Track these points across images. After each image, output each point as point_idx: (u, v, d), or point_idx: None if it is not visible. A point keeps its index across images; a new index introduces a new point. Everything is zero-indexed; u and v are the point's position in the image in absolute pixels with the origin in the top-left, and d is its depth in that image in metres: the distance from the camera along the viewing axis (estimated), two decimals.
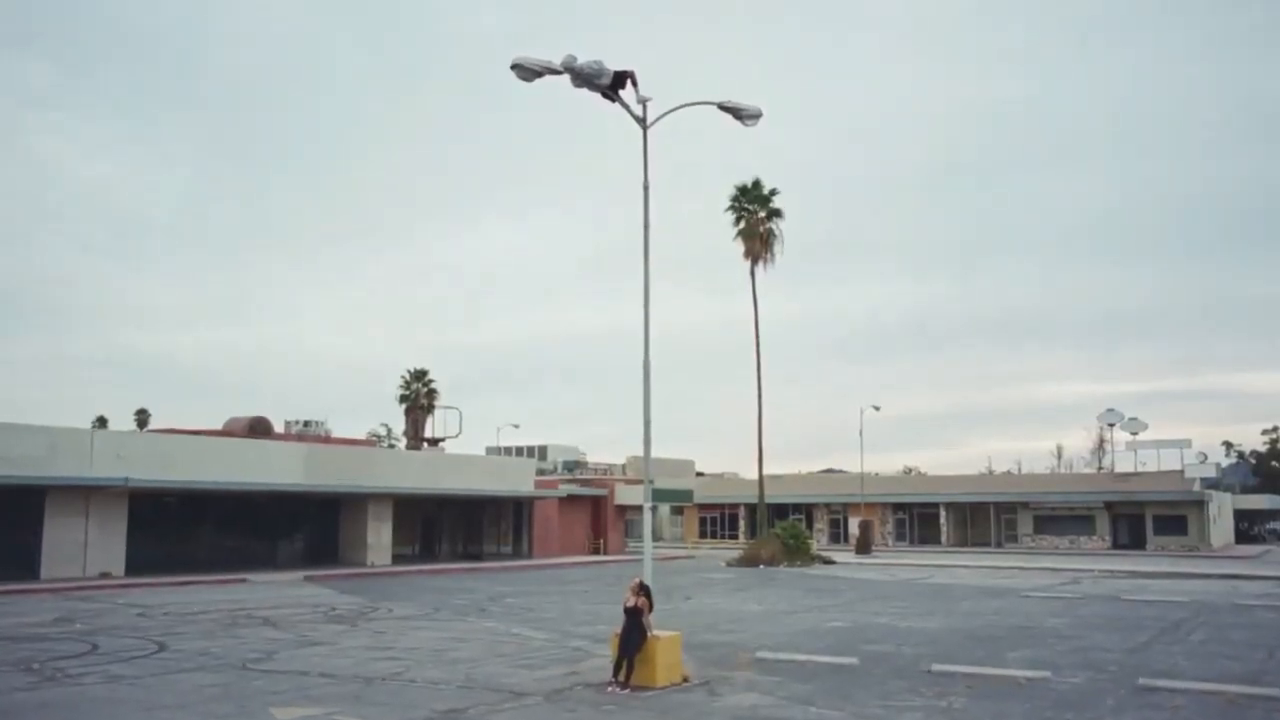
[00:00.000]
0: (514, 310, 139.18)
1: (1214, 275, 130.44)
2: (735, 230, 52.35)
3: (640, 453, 17.31)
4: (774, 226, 52.36)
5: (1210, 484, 66.95)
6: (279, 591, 30.34)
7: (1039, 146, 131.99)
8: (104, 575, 33.12)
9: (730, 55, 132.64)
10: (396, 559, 43.78)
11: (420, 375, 70.96)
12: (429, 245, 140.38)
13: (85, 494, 33.41)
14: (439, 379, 70.81)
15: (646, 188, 16.41)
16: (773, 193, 52.42)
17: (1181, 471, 64.41)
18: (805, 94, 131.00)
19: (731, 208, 52.43)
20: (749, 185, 52.46)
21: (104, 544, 33.88)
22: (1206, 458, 69.47)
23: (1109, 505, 64.90)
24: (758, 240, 51.98)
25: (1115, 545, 63.87)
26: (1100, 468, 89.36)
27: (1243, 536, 78.65)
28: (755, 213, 52.17)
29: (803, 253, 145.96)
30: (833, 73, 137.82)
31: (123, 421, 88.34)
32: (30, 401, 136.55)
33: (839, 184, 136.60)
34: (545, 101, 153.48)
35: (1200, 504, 62.47)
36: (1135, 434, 70.07)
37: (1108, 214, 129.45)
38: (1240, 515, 79.22)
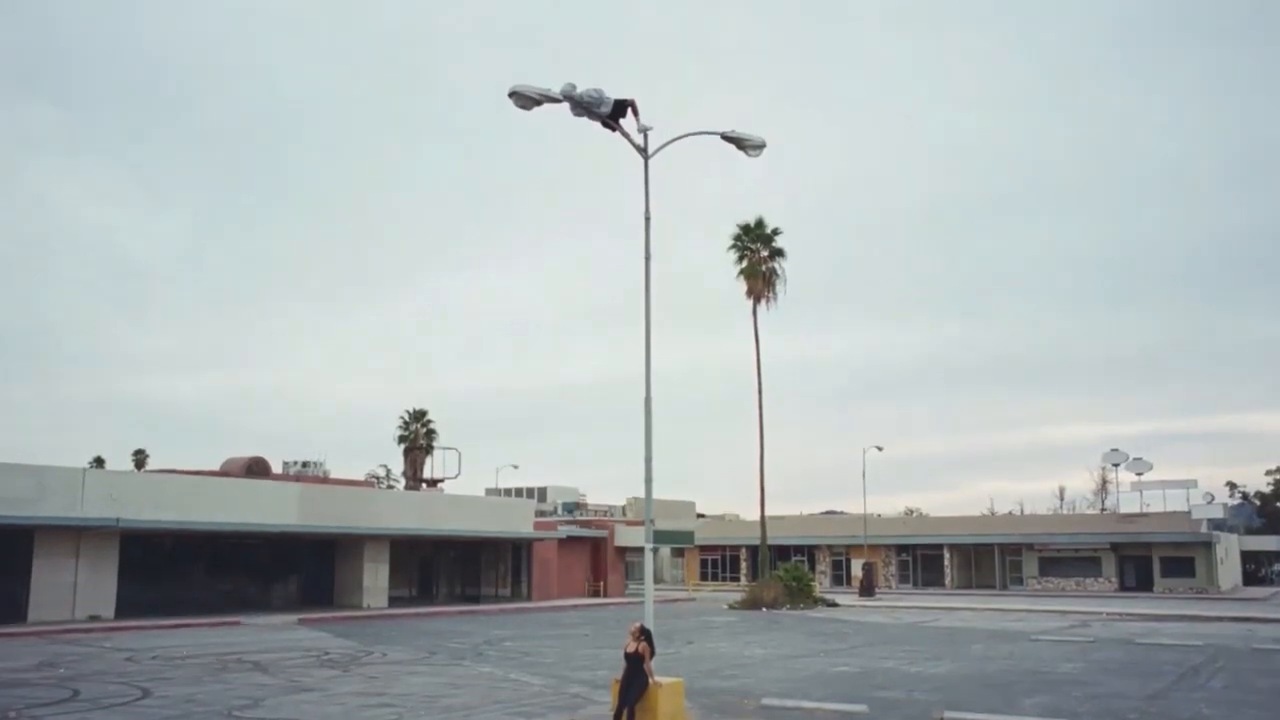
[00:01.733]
0: (514, 352, 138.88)
1: (1214, 316, 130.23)
2: (737, 269, 52.01)
3: (640, 494, 16.81)
4: (776, 266, 52.04)
5: (1216, 525, 66.17)
6: (271, 635, 29.67)
7: (1040, 188, 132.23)
8: (93, 618, 32.41)
9: (729, 98, 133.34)
10: (393, 601, 43.04)
11: (419, 416, 70.35)
12: (430, 286, 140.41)
13: (75, 535, 32.78)
14: (438, 420, 70.18)
15: (648, 219, 16.02)
16: (775, 232, 52.16)
17: (1188, 513, 63.65)
18: (805, 136, 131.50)
19: (734, 246, 52.09)
20: (751, 224, 52.18)
21: (94, 586, 33.20)
22: (1213, 498, 68.77)
23: (1115, 547, 64.10)
24: (760, 280, 51.60)
25: (1122, 587, 62.99)
26: (1104, 509, 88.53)
27: (1250, 578, 77.70)
28: (758, 252, 51.87)
29: (803, 293, 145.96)
30: (833, 114, 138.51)
31: (121, 463, 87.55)
32: (29, 444, 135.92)
33: (839, 225, 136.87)
34: (543, 142, 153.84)
35: (1208, 545, 61.66)
36: (1140, 474, 69.31)
37: (1108, 255, 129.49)
38: (1246, 557, 78.30)
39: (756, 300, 51.66)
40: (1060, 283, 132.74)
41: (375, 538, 42.03)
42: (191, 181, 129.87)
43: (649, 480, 15.84)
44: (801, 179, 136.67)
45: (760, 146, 16.70)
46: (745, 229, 52.21)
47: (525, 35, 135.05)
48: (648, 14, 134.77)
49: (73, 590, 32.70)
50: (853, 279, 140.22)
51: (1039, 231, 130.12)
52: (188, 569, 39.10)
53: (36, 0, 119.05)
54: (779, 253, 52.14)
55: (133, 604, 33.99)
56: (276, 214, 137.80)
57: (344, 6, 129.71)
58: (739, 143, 16.70)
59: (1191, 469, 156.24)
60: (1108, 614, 41.30)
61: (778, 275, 51.98)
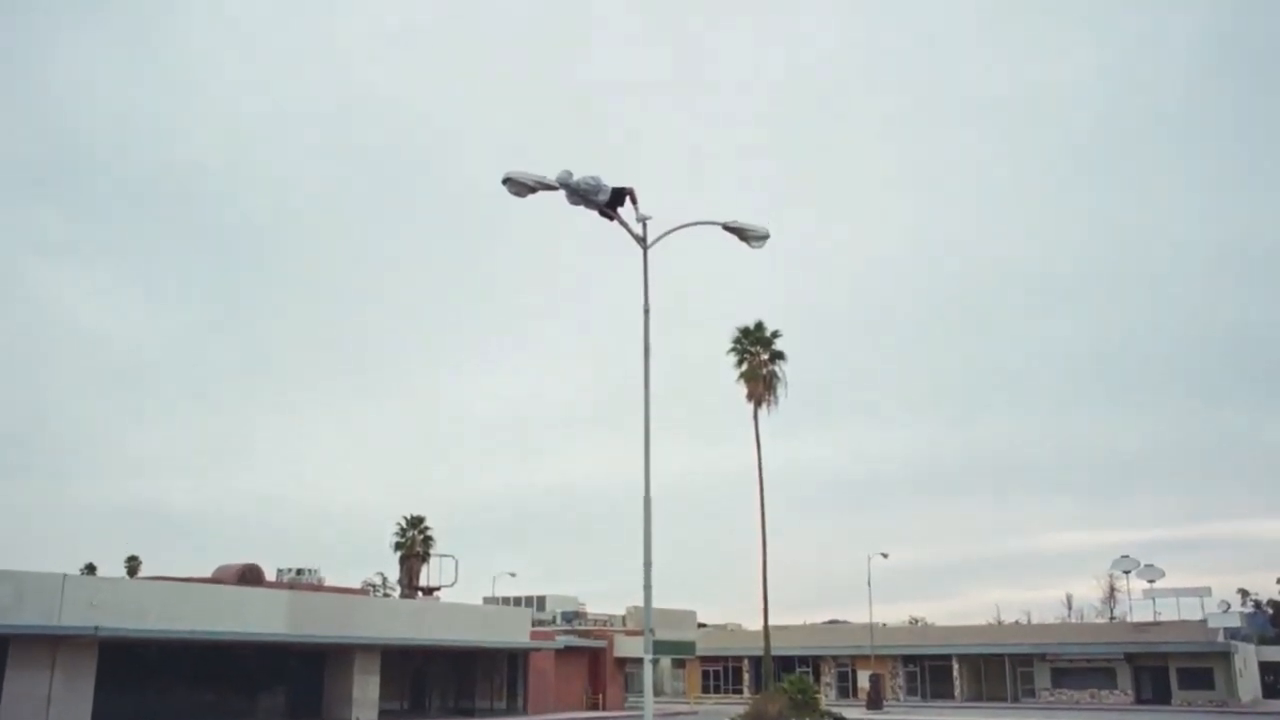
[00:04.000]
0: (512, 456, 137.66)
1: (1220, 420, 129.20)
2: (737, 372, 51.74)
3: (640, 603, 15.96)
4: (777, 369, 51.77)
5: (1232, 634, 64.49)
6: None
7: (1041, 289, 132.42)
8: None
9: (727, 194, 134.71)
10: (383, 714, 41.48)
11: (416, 522, 69.10)
12: (428, 391, 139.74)
13: (52, 644, 31.47)
14: (435, 526, 68.88)
15: (647, 310, 15.50)
16: (775, 335, 52.07)
17: (1204, 621, 62.04)
18: (804, 236, 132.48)
19: (733, 349, 51.97)
20: (751, 327, 52.15)
21: (69, 699, 31.73)
22: (1230, 606, 67.20)
23: (1130, 657, 62.34)
24: (760, 383, 51.30)
25: (1139, 699, 61.06)
26: (1113, 617, 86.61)
27: (1269, 690, 75.41)
28: (758, 355, 51.68)
29: (802, 392, 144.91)
30: (830, 215, 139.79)
31: (114, 568, 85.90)
32: (22, 547, 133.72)
33: (836, 328, 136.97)
34: (545, 235, 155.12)
35: (1226, 655, 59.95)
36: (1152, 581, 67.78)
37: (1109, 358, 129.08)
38: (1264, 668, 76.07)
39: (757, 404, 51.23)
40: (1061, 385, 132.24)
41: (366, 648, 40.67)
42: (191, 283, 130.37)
43: (648, 587, 15.01)
44: (800, 278, 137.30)
45: (764, 237, 16.28)
46: (745, 331, 52.12)
47: (525, 131, 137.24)
48: (650, 113, 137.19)
49: (46, 703, 31.21)
50: (851, 380, 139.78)
51: (1040, 332, 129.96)
52: (170, 679, 37.65)
53: (43, 106, 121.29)
54: (779, 355, 51.97)
55: (110, 716, 32.53)
56: (275, 314, 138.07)
57: (343, 107, 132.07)
58: (741, 233, 16.29)
59: (1200, 576, 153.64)
60: None
61: (778, 378, 51.71)
